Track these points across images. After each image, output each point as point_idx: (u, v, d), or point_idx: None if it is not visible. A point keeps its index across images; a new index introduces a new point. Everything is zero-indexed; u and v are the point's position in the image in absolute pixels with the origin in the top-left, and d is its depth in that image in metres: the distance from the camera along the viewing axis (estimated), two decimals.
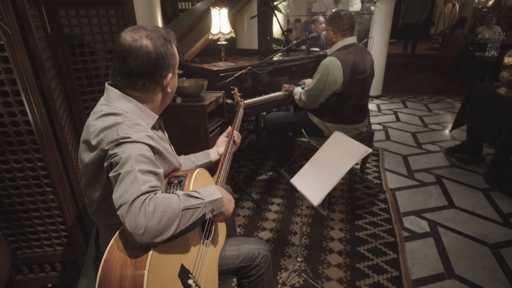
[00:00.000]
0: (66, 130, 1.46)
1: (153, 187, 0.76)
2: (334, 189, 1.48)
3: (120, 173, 0.76)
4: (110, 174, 0.78)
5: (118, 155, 0.79)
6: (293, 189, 2.52)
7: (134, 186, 0.74)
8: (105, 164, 0.82)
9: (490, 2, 8.82)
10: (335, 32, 2.12)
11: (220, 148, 1.36)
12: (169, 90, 0.97)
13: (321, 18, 4.90)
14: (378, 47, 4.97)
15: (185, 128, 1.92)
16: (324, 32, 4.73)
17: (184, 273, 0.84)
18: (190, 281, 0.85)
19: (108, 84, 0.94)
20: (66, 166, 1.44)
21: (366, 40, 4.68)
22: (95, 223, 1.09)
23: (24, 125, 1.29)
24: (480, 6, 8.77)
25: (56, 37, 1.51)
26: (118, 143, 0.80)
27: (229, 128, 1.41)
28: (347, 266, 1.78)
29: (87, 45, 1.59)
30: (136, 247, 0.75)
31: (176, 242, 0.81)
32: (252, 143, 3.53)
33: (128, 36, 0.87)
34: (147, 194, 0.74)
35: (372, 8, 5.47)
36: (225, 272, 1.14)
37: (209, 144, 1.88)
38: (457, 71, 5.94)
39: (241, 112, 1.59)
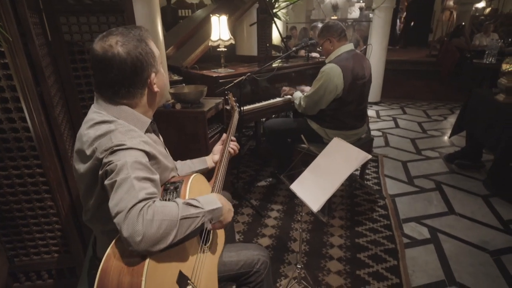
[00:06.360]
0: (65, 137, 1.45)
1: (150, 194, 0.76)
2: (333, 196, 1.47)
3: (116, 181, 0.75)
4: (106, 182, 0.78)
5: (113, 162, 0.77)
6: (292, 196, 2.51)
7: (131, 193, 0.73)
8: (100, 173, 0.81)
9: (487, 10, 8.93)
10: (331, 41, 2.15)
11: (215, 156, 1.35)
12: (156, 89, 0.93)
13: (320, 25, 4.96)
14: (376, 54, 5.01)
15: (185, 134, 1.92)
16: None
17: (182, 280, 0.84)
18: (189, 287, 0.85)
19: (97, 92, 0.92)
20: (65, 172, 1.44)
21: (364, 47, 4.73)
22: (93, 230, 1.09)
23: (24, 131, 1.29)
24: (477, 14, 8.87)
25: (57, 44, 1.52)
26: (113, 150, 0.79)
27: (224, 135, 1.40)
28: (347, 273, 1.77)
29: (87, 51, 1.60)
30: (133, 255, 0.74)
31: (174, 249, 0.81)
32: (251, 149, 3.53)
33: (98, 47, 0.85)
34: (145, 202, 0.73)
35: (371, 15, 5.53)
36: (224, 279, 1.13)
37: (208, 150, 1.88)
38: (456, 77, 5.98)
39: (236, 117, 1.57)
